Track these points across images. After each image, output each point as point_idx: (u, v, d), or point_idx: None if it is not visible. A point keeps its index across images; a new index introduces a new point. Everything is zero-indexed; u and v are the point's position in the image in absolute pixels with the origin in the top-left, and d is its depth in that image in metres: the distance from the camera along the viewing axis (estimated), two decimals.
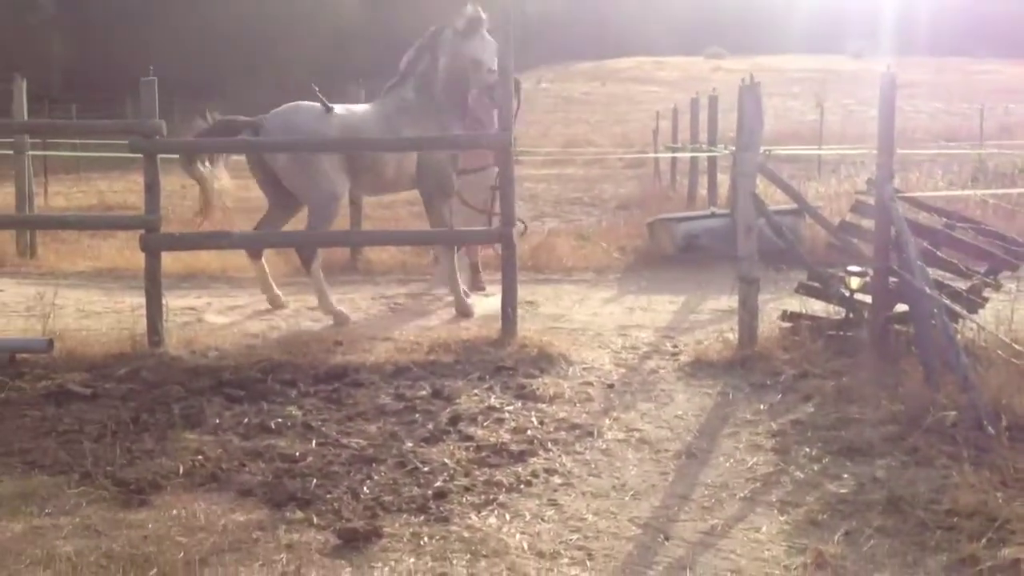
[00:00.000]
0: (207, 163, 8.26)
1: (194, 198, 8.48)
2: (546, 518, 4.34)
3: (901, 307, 6.61)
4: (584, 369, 6.66)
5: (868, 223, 7.00)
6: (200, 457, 4.97)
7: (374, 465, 4.89)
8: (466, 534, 4.15)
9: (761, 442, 5.29)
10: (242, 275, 9.90)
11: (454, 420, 5.53)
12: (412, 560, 3.91)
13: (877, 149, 6.69)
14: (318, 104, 8.39)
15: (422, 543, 4.06)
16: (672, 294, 9.52)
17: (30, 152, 12.89)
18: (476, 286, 9.55)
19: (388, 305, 9.09)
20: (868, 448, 5.06)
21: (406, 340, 7.29)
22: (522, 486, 4.67)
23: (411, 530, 4.17)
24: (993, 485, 4.37)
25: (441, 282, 9.41)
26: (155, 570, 3.77)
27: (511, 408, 5.76)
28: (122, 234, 12.06)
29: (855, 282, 6.84)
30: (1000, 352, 5.71)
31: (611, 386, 6.31)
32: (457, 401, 5.87)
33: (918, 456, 4.91)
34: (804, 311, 7.22)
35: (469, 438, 5.26)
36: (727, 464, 5.01)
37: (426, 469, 4.83)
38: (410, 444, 5.17)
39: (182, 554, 3.90)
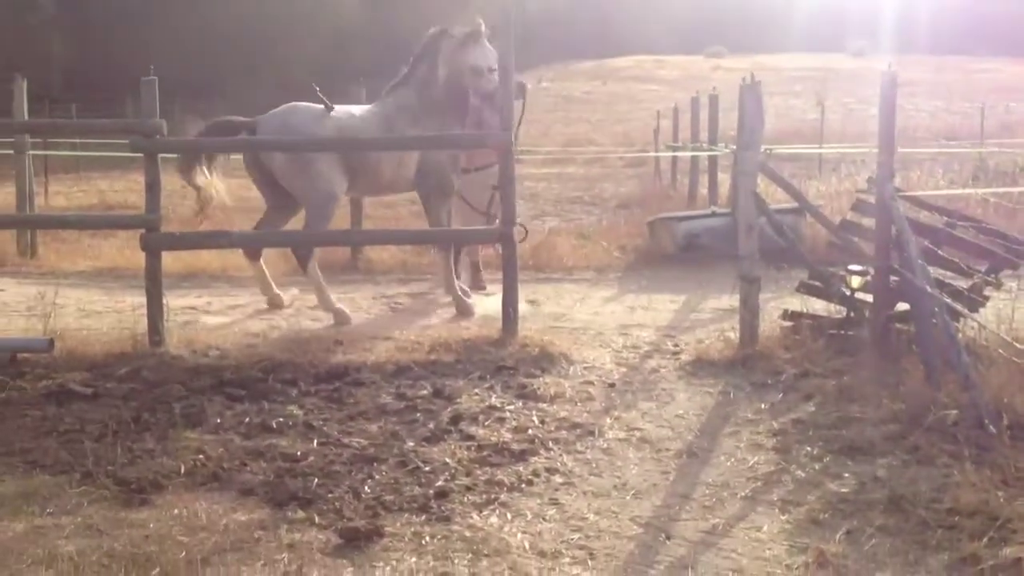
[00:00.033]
0: (205, 171, 8.26)
1: (194, 198, 8.47)
2: (547, 517, 4.34)
3: (902, 306, 6.60)
4: (585, 368, 6.66)
5: (869, 222, 7.00)
6: (201, 456, 4.97)
7: (375, 464, 4.89)
8: (468, 533, 4.15)
9: (762, 441, 5.29)
10: (242, 274, 9.90)
11: (455, 419, 5.53)
12: (414, 559, 3.91)
13: (878, 148, 6.69)
14: (315, 105, 8.40)
15: (424, 542, 4.06)
16: (673, 293, 9.52)
17: (31, 152, 12.89)
18: (477, 285, 9.56)
19: (389, 304, 9.09)
20: (869, 447, 5.06)
21: (407, 339, 7.29)
22: (523, 485, 4.67)
23: (413, 529, 4.17)
24: (994, 484, 4.37)
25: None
26: (157, 569, 3.77)
27: (512, 407, 5.76)
28: (122, 233, 12.07)
29: (856, 281, 6.84)
30: (1001, 351, 5.71)
31: (612, 385, 6.31)
32: (458, 400, 5.87)
33: (919, 455, 4.91)
34: (805, 310, 7.21)
35: (470, 437, 5.26)
36: (728, 463, 5.01)
37: (427, 468, 4.83)
38: (411, 443, 5.17)
39: (184, 553, 3.90)
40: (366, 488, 4.60)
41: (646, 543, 4.12)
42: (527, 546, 4.03)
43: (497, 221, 8.09)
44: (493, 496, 4.53)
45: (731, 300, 7.99)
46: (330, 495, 4.51)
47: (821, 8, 62.04)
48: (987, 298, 6.79)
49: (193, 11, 42.07)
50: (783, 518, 4.34)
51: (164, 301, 7.24)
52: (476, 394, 5.99)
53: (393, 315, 8.65)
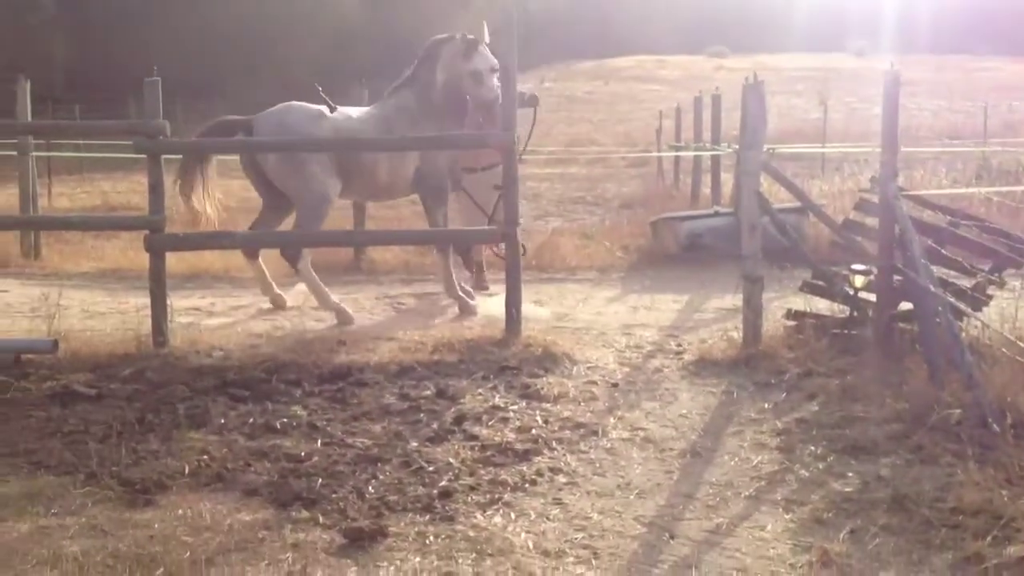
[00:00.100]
0: (202, 195, 8.29)
1: (213, 197, 8.50)
2: (551, 517, 4.35)
3: (905, 305, 6.60)
4: (588, 368, 6.66)
5: (872, 221, 6.99)
6: (205, 457, 4.98)
7: (379, 465, 4.90)
8: (471, 533, 4.15)
9: (766, 441, 5.29)
10: (246, 275, 9.90)
11: (459, 420, 5.53)
12: (418, 559, 3.92)
13: (881, 147, 6.69)
14: (311, 104, 8.41)
15: (427, 542, 4.06)
16: (676, 293, 9.52)
17: (34, 153, 12.91)
18: (479, 285, 9.56)
19: (392, 305, 9.10)
20: (873, 446, 5.06)
21: (410, 340, 7.30)
22: (527, 485, 4.68)
23: (416, 529, 4.18)
24: (998, 483, 4.36)
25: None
26: (161, 570, 3.78)
27: (516, 407, 5.77)
28: (126, 235, 12.09)
29: (859, 280, 6.84)
30: (1005, 350, 5.70)
31: (615, 385, 6.31)
32: (462, 401, 5.87)
33: (923, 454, 4.91)
34: (808, 309, 7.21)
35: (474, 437, 5.27)
36: (732, 463, 5.01)
37: (431, 468, 4.83)
38: (415, 444, 5.17)
39: (188, 554, 3.91)
40: (370, 488, 4.61)
41: (650, 542, 4.12)
42: (531, 546, 4.04)
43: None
44: (497, 496, 4.53)
45: (734, 300, 8.00)
46: (334, 495, 4.52)
47: (822, 8, 62.01)
48: (990, 297, 6.78)
49: (194, 11, 42.08)
50: (787, 517, 4.34)
51: (168, 302, 7.24)
52: (480, 394, 6.00)
53: (396, 315, 8.66)
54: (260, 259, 8.63)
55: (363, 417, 5.64)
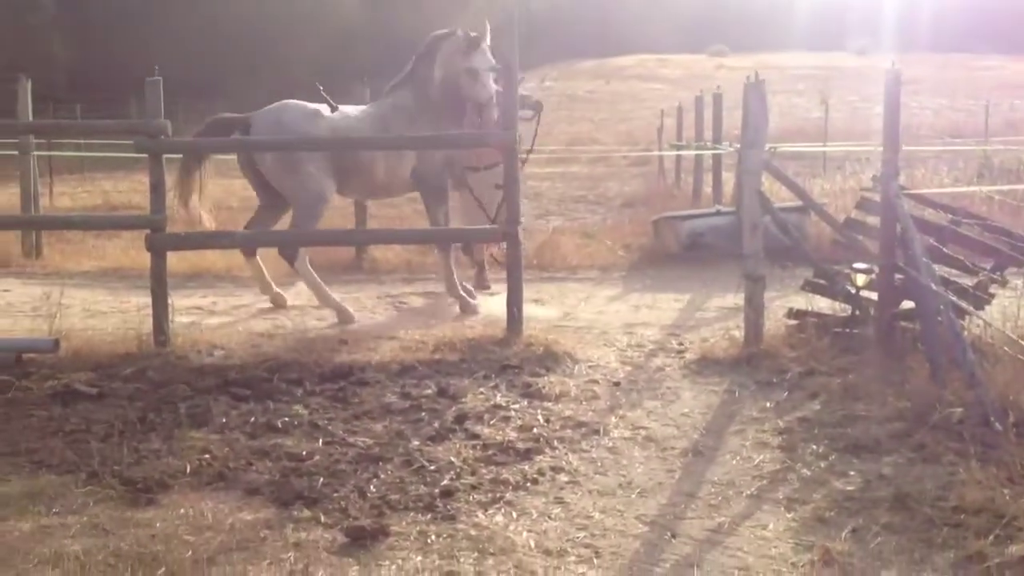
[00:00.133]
0: (197, 201, 8.32)
1: (207, 197, 8.52)
2: (553, 516, 4.34)
3: (907, 304, 6.60)
4: (590, 367, 6.66)
5: (874, 220, 6.99)
6: (207, 456, 4.98)
7: (381, 464, 4.90)
8: (473, 532, 4.15)
9: (768, 440, 5.29)
10: (247, 274, 9.89)
11: (460, 418, 5.53)
12: (419, 558, 3.91)
13: (882, 146, 6.68)
14: (307, 103, 8.41)
15: (429, 541, 4.06)
16: (677, 292, 9.52)
17: (35, 152, 12.92)
18: (481, 284, 9.56)
19: (393, 304, 9.10)
20: (875, 445, 5.06)
21: (412, 339, 7.30)
22: (529, 484, 4.67)
23: (418, 528, 4.18)
24: (1000, 482, 4.36)
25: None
26: (163, 569, 3.78)
27: (517, 406, 5.77)
28: (127, 234, 12.11)
29: (861, 279, 6.84)
30: (1007, 348, 5.70)
31: (617, 384, 6.31)
32: (463, 400, 5.87)
33: (925, 453, 4.90)
34: (810, 308, 7.21)
35: (475, 436, 5.27)
36: (734, 462, 5.01)
37: (433, 467, 4.83)
38: (416, 443, 5.17)
39: (190, 553, 3.91)
40: (372, 487, 4.61)
41: (652, 541, 4.12)
42: (532, 545, 4.04)
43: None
44: (498, 495, 4.53)
45: (736, 299, 7.99)
46: (336, 494, 4.52)
47: (823, 6, 61.98)
48: (992, 296, 6.78)
49: (195, 11, 42.07)
50: (789, 516, 4.33)
51: (169, 301, 7.24)
52: (481, 393, 5.99)
53: (398, 314, 8.66)
54: (258, 257, 8.63)
55: (364, 416, 5.64)
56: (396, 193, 9.34)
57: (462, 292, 8.62)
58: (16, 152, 12.65)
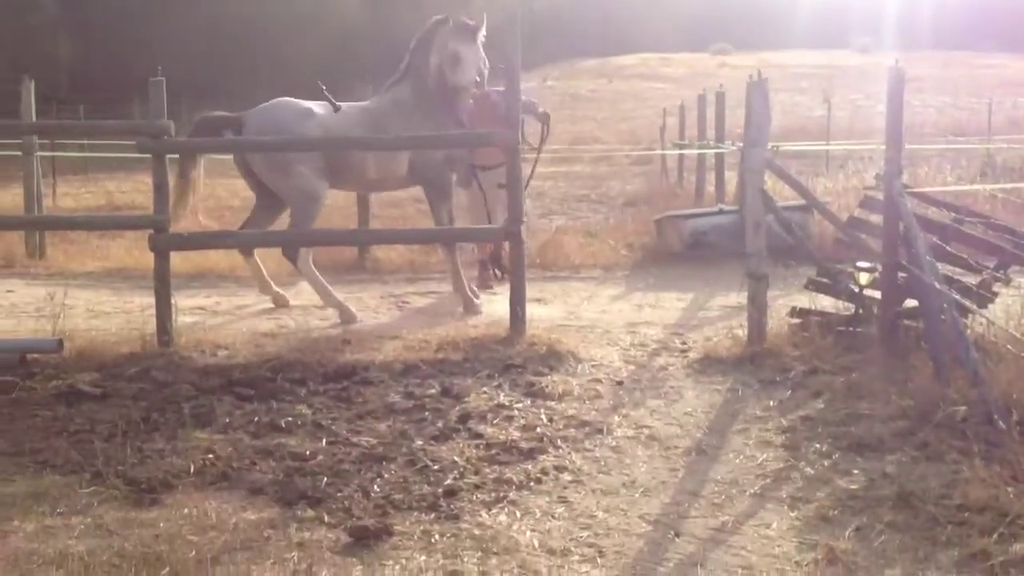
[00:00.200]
0: (192, 194, 8.33)
1: (204, 197, 8.52)
2: (556, 515, 4.35)
3: (910, 302, 6.59)
4: (593, 366, 6.66)
5: (877, 219, 6.99)
6: (211, 456, 4.98)
7: (384, 463, 4.90)
8: (477, 531, 4.15)
9: (771, 438, 5.29)
10: (249, 274, 9.91)
11: (464, 418, 5.54)
12: (423, 558, 3.92)
13: (885, 144, 6.68)
14: (300, 101, 8.41)
15: (433, 541, 4.07)
16: (680, 291, 9.52)
17: (38, 153, 12.93)
18: (483, 284, 9.56)
19: (396, 304, 9.10)
20: (878, 444, 5.06)
21: (415, 338, 7.30)
22: (532, 483, 4.68)
23: (422, 528, 4.18)
24: (1004, 480, 4.35)
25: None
26: (167, 569, 3.78)
27: (520, 406, 5.77)
28: (130, 234, 12.12)
29: (864, 278, 6.83)
30: (1010, 347, 5.70)
31: (620, 383, 6.31)
32: (466, 399, 5.87)
33: (928, 451, 4.90)
34: (813, 307, 7.21)
35: (479, 436, 5.27)
36: (737, 460, 5.01)
37: (436, 467, 4.83)
38: (420, 442, 5.17)
39: (194, 553, 3.91)
40: (375, 487, 4.61)
41: (655, 540, 4.12)
42: (536, 544, 4.04)
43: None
44: (502, 494, 4.53)
45: (739, 297, 7.98)
46: (339, 494, 4.52)
47: (825, 4, 61.91)
48: (996, 294, 6.77)
49: (196, 11, 42.09)
50: (792, 515, 4.34)
51: (173, 301, 7.25)
52: (484, 392, 6.00)
53: (401, 314, 8.66)
54: (256, 257, 8.63)
55: (368, 416, 5.65)
56: (391, 188, 9.34)
57: (469, 292, 8.62)
58: (20, 153, 12.66)
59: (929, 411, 5.20)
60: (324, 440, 5.23)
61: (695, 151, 17.35)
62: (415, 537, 4.10)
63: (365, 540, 4.04)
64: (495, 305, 8.44)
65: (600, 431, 5.40)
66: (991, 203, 11.80)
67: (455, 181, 9.20)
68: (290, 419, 5.53)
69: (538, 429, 5.37)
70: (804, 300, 7.39)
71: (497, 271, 9.34)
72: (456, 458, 4.94)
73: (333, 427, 5.43)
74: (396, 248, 11.17)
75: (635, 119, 32.63)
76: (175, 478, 4.73)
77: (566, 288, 9.81)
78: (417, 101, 8.54)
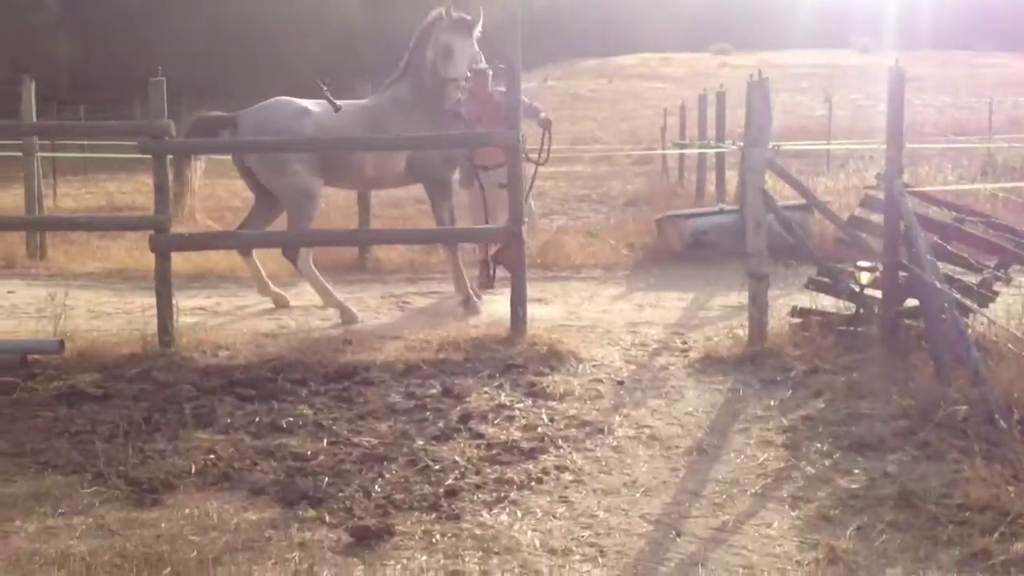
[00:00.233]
0: (189, 194, 8.34)
1: (204, 197, 8.53)
2: (557, 515, 4.35)
3: (911, 302, 6.59)
4: (594, 366, 6.66)
5: (877, 218, 6.98)
6: (212, 456, 4.99)
7: (385, 463, 4.90)
8: (478, 531, 4.15)
9: (772, 438, 5.29)
10: (249, 275, 9.92)
11: (465, 418, 5.54)
12: (424, 558, 3.92)
13: (886, 144, 6.68)
14: (296, 100, 8.41)
15: (434, 541, 4.07)
16: (681, 291, 9.52)
17: (39, 154, 12.93)
18: (484, 284, 9.56)
19: (397, 304, 9.10)
20: (879, 443, 5.06)
21: (416, 338, 7.30)
22: (533, 483, 4.68)
23: (423, 528, 4.18)
24: (1005, 479, 4.36)
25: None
26: (169, 569, 3.79)
27: (521, 406, 5.77)
28: (131, 235, 12.11)
29: (865, 277, 6.83)
30: (1011, 346, 5.70)
31: (621, 383, 6.31)
32: (467, 399, 5.87)
33: (929, 451, 4.90)
34: (814, 307, 7.21)
35: (480, 436, 5.27)
36: (738, 460, 5.01)
37: (437, 467, 4.83)
38: (421, 442, 5.17)
39: (195, 553, 3.91)
40: (376, 487, 4.61)
41: (656, 540, 4.12)
42: (537, 544, 4.04)
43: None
44: (503, 494, 4.53)
45: (739, 297, 7.98)
46: (340, 494, 4.52)
47: (825, 4, 61.91)
48: (997, 293, 6.77)
49: (197, 11, 42.10)
50: (793, 514, 4.34)
51: (173, 302, 7.25)
52: (485, 392, 6.00)
53: (402, 314, 8.66)
54: (254, 257, 8.63)
55: (369, 416, 5.65)
56: (389, 185, 9.33)
57: (471, 291, 8.61)
58: (20, 153, 12.66)
59: (930, 410, 5.20)
60: (325, 440, 5.24)
61: (696, 151, 17.35)
62: (416, 537, 4.10)
63: (366, 540, 4.05)
64: (496, 305, 8.44)
65: (601, 431, 5.40)
66: (992, 202, 11.79)
67: (458, 181, 9.21)
68: (291, 419, 5.54)
69: (539, 429, 5.37)
70: (805, 300, 7.39)
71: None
72: (457, 458, 4.94)
73: (334, 427, 5.43)
74: (396, 248, 11.16)
75: (635, 119, 32.63)
76: (176, 478, 4.73)
77: (567, 288, 9.81)
78: (416, 99, 8.54)
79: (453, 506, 4.39)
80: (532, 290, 8.09)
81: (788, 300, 7.89)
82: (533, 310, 7.80)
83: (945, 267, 6.55)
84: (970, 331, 5.92)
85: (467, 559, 3.91)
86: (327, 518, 4.28)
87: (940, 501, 4.32)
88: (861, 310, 6.90)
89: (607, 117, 34.41)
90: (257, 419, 5.55)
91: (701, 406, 5.87)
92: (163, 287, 7.20)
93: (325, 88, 8.51)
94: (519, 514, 4.34)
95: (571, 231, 13.20)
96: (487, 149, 8.72)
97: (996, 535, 3.93)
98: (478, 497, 4.50)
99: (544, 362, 6.62)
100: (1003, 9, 53.25)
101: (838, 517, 4.28)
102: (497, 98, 8.85)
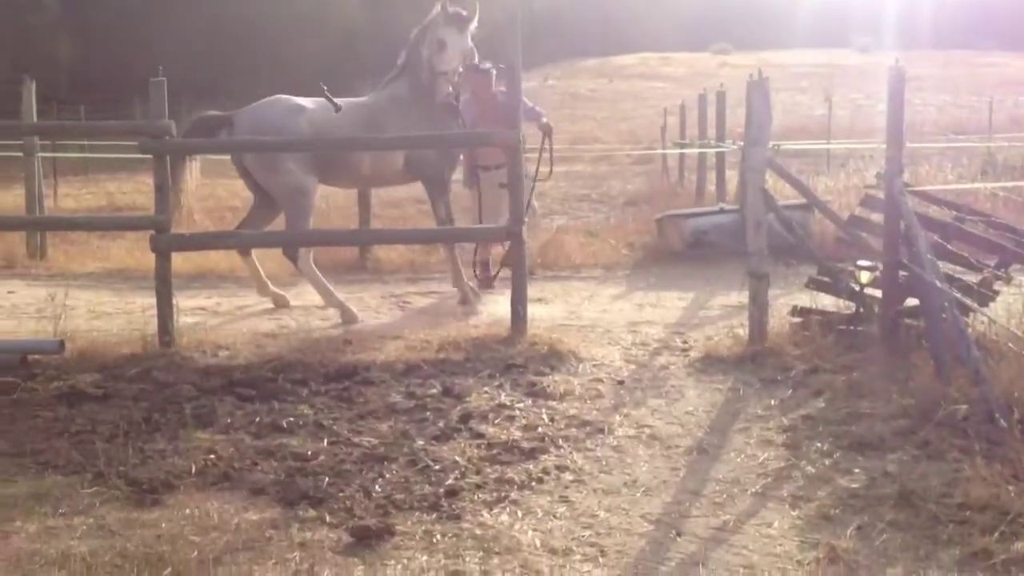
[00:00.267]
0: (186, 195, 8.34)
1: (204, 197, 8.53)
2: (558, 515, 4.35)
3: (911, 301, 6.59)
4: (594, 366, 6.66)
5: (878, 217, 6.98)
6: (212, 456, 4.99)
7: (386, 463, 4.90)
8: (478, 531, 4.15)
9: (772, 437, 5.29)
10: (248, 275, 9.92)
11: (465, 418, 5.54)
12: (425, 558, 3.92)
13: (886, 143, 6.68)
14: (291, 98, 8.41)
15: (434, 540, 4.07)
16: (681, 290, 9.52)
17: (39, 154, 12.93)
18: (485, 284, 9.56)
19: (397, 303, 9.10)
20: (879, 442, 5.06)
21: (416, 338, 7.30)
22: (534, 483, 4.68)
23: (423, 528, 4.18)
24: (1005, 478, 4.36)
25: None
26: (169, 569, 3.79)
27: (522, 405, 5.77)
28: (131, 235, 12.11)
29: (865, 276, 6.83)
30: (1011, 345, 5.69)
31: (621, 383, 6.31)
32: (468, 399, 5.87)
33: (929, 450, 4.90)
34: (814, 306, 7.21)
35: (480, 436, 5.27)
36: (738, 460, 5.01)
37: (438, 467, 4.83)
38: (421, 442, 5.17)
39: (196, 553, 3.91)
40: (377, 487, 4.61)
41: (657, 540, 4.12)
42: (538, 544, 4.04)
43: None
44: (503, 494, 4.53)
45: (740, 297, 7.98)
46: (341, 494, 4.52)
47: (825, 4, 61.93)
48: (997, 293, 6.77)
49: (196, 11, 42.12)
50: (794, 514, 4.34)
51: (174, 302, 7.25)
52: (485, 392, 6.00)
53: (402, 314, 8.66)
54: (253, 257, 8.63)
55: (369, 416, 5.65)
56: (388, 183, 9.31)
57: (467, 287, 8.62)
58: (21, 153, 12.67)
59: (930, 410, 5.20)
60: (325, 440, 5.23)
61: (696, 150, 17.35)
62: (417, 537, 4.10)
63: (367, 540, 4.05)
64: (496, 305, 8.44)
65: (601, 431, 5.40)
66: (992, 201, 11.77)
67: (464, 183, 9.22)
68: (291, 419, 5.54)
69: (539, 429, 5.37)
70: (805, 299, 7.39)
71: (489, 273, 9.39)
72: (458, 458, 4.94)
73: (334, 427, 5.43)
74: (397, 248, 11.16)
75: (635, 119, 32.64)
76: (177, 478, 4.73)
77: (567, 288, 9.80)
78: (414, 96, 8.54)
79: (454, 506, 4.39)
80: (532, 290, 8.10)
81: (788, 299, 7.89)
82: (533, 310, 7.80)
83: (945, 266, 6.55)
84: (970, 330, 5.92)
85: (468, 559, 3.91)
86: (327, 518, 4.28)
87: (940, 500, 4.32)
88: (861, 309, 6.90)
89: (607, 117, 34.42)
90: (257, 419, 5.55)
91: (701, 405, 5.87)
92: (163, 287, 7.20)
93: (325, 88, 8.52)
94: (520, 514, 4.34)
95: (571, 231, 13.20)
96: (489, 149, 8.73)
97: (996, 534, 3.93)
98: (479, 497, 4.50)
99: (544, 362, 6.62)
100: (1003, 9, 53.27)
101: (838, 516, 4.27)
102: (500, 99, 8.86)
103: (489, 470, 4.81)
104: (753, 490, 4.61)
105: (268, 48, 41.89)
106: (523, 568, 3.84)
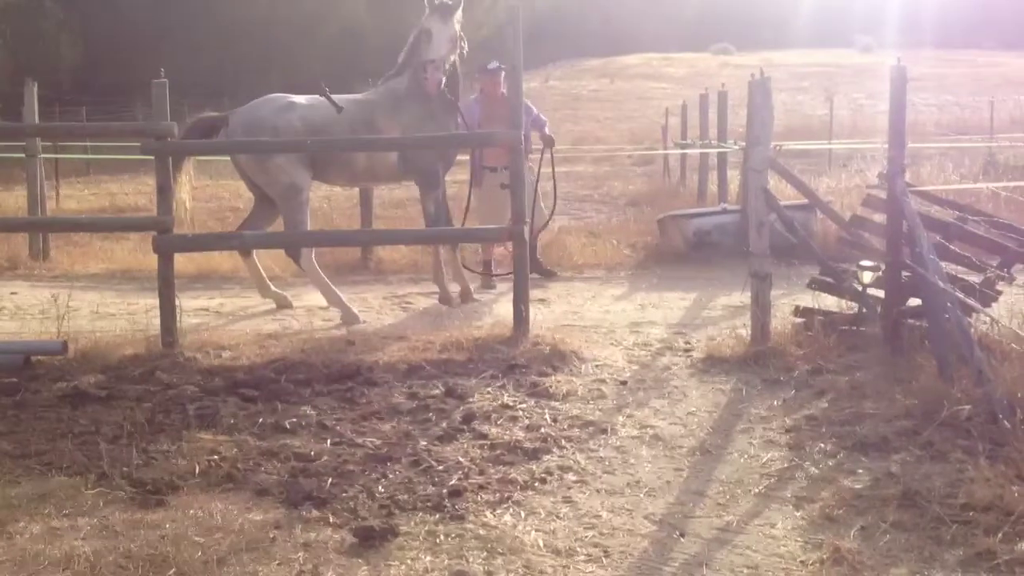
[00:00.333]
0: (186, 196, 8.35)
1: (205, 198, 8.54)
2: (561, 515, 4.35)
3: (914, 301, 6.59)
4: (597, 366, 6.66)
5: (880, 217, 6.99)
6: (216, 457, 4.99)
7: (389, 464, 4.90)
8: (482, 532, 4.15)
9: (775, 438, 5.28)
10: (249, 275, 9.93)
11: (468, 418, 5.54)
12: (428, 558, 3.92)
13: (888, 143, 6.68)
14: (290, 96, 8.42)
15: (438, 541, 4.07)
16: (683, 291, 9.52)
17: (42, 155, 12.95)
18: (485, 284, 9.57)
19: (400, 304, 9.10)
20: (883, 443, 5.05)
21: (419, 339, 7.30)
22: (537, 484, 4.68)
23: (427, 528, 4.18)
24: (1009, 479, 4.35)
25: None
26: (173, 570, 3.79)
27: (524, 406, 5.77)
28: (134, 236, 12.14)
29: (867, 277, 6.83)
30: (1014, 345, 5.70)
31: (624, 383, 6.31)
32: (471, 399, 5.87)
33: (933, 451, 4.90)
34: (817, 306, 7.21)
35: (483, 436, 5.27)
36: (741, 460, 5.01)
37: (441, 467, 4.83)
38: (424, 443, 5.18)
39: (200, 554, 3.92)
40: (380, 487, 4.61)
41: (660, 541, 4.12)
42: (541, 544, 4.04)
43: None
44: (507, 495, 4.53)
45: (742, 297, 7.98)
46: (344, 495, 4.52)
47: (827, 4, 61.93)
48: (999, 292, 6.77)
49: (199, 12, 42.14)
50: (797, 515, 4.33)
51: (177, 303, 7.26)
52: (488, 393, 6.00)
53: (405, 315, 8.67)
54: (255, 257, 8.64)
55: (372, 416, 5.65)
56: (385, 180, 9.28)
57: (447, 288, 8.67)
58: (23, 155, 12.68)
59: (933, 410, 5.20)
60: (329, 441, 5.24)
61: (697, 150, 17.35)
62: (420, 537, 4.10)
63: (370, 541, 4.05)
64: (498, 305, 8.45)
65: (604, 431, 5.40)
66: (994, 201, 11.76)
67: (469, 183, 9.22)
68: (295, 420, 5.54)
69: (542, 429, 5.37)
70: (808, 299, 7.39)
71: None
72: (460, 458, 4.94)
73: (338, 428, 5.43)
74: (399, 248, 11.17)
75: (637, 119, 32.66)
76: (180, 479, 4.73)
77: (569, 288, 9.81)
78: (411, 92, 8.52)
79: (457, 506, 4.39)
80: (535, 290, 8.10)
81: (791, 300, 7.89)
82: (536, 310, 7.80)
83: (948, 266, 6.55)
84: (973, 330, 5.92)
85: (471, 559, 3.91)
86: (331, 519, 4.28)
87: (944, 501, 4.32)
88: (864, 310, 6.90)
89: (609, 117, 34.44)
90: (261, 420, 5.55)
91: (704, 406, 5.88)
92: (166, 288, 7.21)
93: (327, 89, 8.52)
94: (523, 514, 4.34)
95: (573, 231, 13.21)
96: (495, 150, 8.74)
97: (1000, 535, 3.93)
98: (482, 497, 4.50)
99: (547, 362, 6.62)
100: (1005, 9, 53.25)
101: (842, 517, 4.27)
102: (507, 99, 8.85)
103: (492, 471, 4.81)
104: (756, 491, 4.61)
105: (273, 49, 41.92)
106: (526, 568, 3.84)
